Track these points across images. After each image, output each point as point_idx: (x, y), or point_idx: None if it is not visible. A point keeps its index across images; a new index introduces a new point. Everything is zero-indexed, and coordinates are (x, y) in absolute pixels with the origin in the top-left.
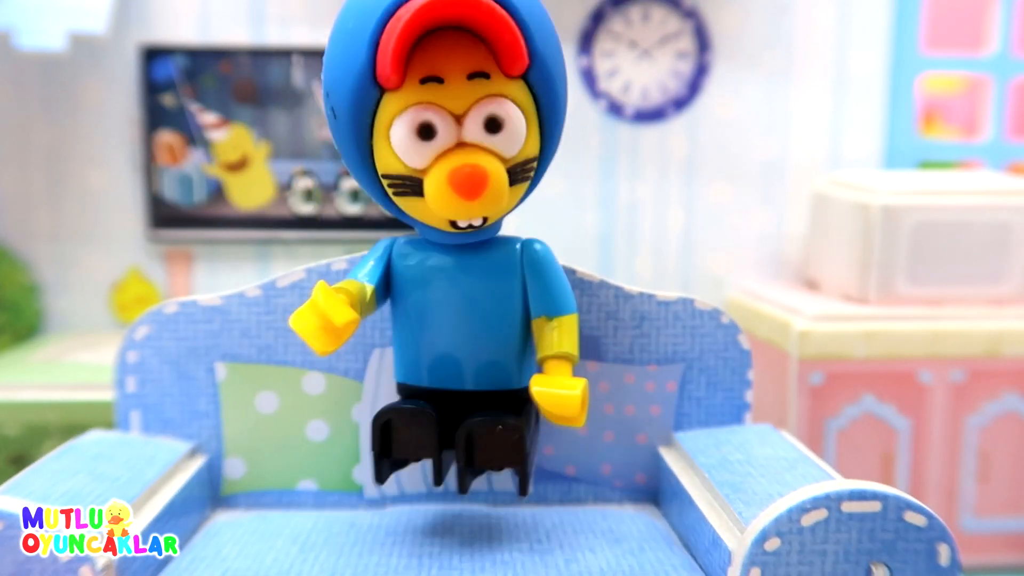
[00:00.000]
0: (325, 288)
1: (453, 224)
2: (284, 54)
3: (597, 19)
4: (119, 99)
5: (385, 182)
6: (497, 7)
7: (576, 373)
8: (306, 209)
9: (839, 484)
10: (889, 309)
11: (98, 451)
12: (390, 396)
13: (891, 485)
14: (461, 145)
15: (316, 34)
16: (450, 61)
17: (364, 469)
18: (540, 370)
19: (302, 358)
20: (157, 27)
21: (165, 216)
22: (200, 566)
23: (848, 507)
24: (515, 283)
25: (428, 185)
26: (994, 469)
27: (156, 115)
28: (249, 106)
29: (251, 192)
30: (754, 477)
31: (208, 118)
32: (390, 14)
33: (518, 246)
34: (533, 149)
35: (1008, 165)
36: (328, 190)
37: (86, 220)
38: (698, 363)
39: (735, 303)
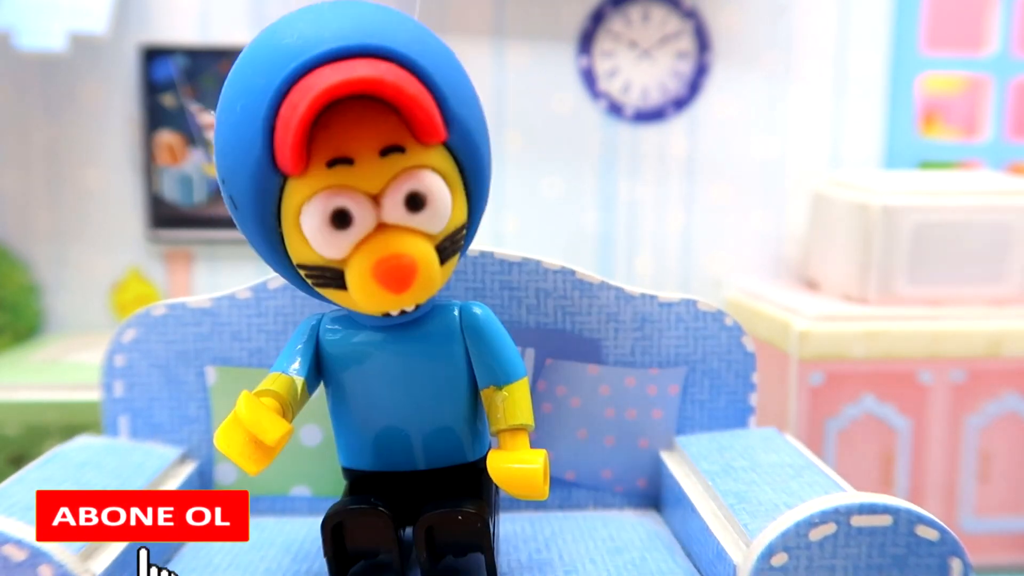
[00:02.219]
0: (249, 400)
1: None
2: None
3: (597, 19)
4: (119, 99)
5: (302, 272)
6: (406, 78)
7: (577, 376)
8: None
9: (848, 497)
10: (889, 309)
11: (85, 458)
12: None
13: (891, 485)
14: (381, 227)
15: None
16: (359, 138)
17: None
18: (495, 444)
19: None
20: (157, 27)
21: (165, 216)
22: None
23: (858, 521)
24: (456, 350)
25: (350, 279)
26: (994, 469)
27: (156, 115)
28: None
29: None
30: (759, 485)
31: (208, 118)
32: (282, 95)
33: (456, 312)
34: (461, 217)
35: (1008, 165)
36: None
37: (86, 220)
38: (701, 366)
39: (735, 303)
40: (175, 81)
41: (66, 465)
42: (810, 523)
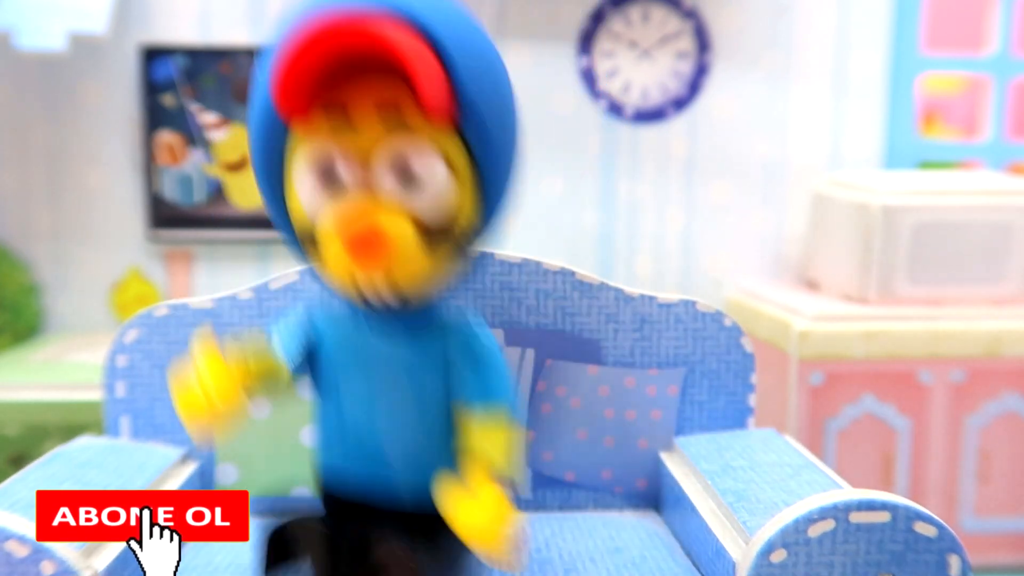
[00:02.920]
0: (211, 352)
1: (361, 296)
2: None
3: (597, 19)
4: (119, 99)
5: (301, 239)
6: (416, 43)
7: (577, 377)
8: None
9: (847, 494)
10: (889, 309)
11: (86, 458)
12: None
13: (891, 485)
14: (369, 194)
15: None
16: (358, 90)
17: None
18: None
19: None
20: (157, 27)
21: (165, 216)
22: None
23: (856, 517)
24: (441, 359)
25: (322, 235)
26: (994, 469)
27: (156, 115)
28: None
29: (251, 192)
30: (758, 484)
31: (208, 118)
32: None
33: (447, 321)
34: (464, 210)
35: (1008, 165)
36: None
37: (86, 220)
38: (700, 366)
39: (735, 303)
40: (175, 81)
41: (68, 465)
42: (809, 520)
